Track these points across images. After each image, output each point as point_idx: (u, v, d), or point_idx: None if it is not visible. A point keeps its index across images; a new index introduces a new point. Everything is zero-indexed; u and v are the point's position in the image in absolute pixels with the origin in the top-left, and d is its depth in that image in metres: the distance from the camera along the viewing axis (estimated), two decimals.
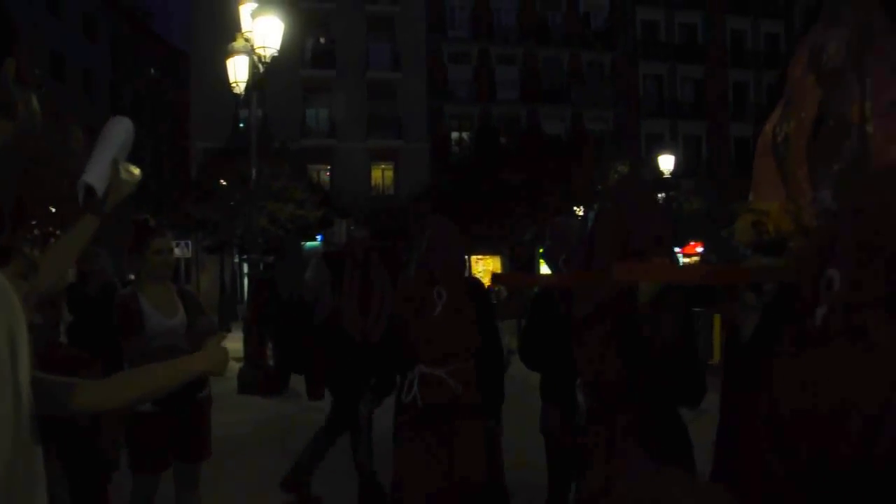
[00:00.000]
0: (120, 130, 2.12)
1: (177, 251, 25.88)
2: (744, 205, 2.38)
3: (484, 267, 30.93)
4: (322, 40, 31.99)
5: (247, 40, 10.94)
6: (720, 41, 37.29)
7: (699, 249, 30.28)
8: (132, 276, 6.29)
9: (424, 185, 27.24)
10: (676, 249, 29.36)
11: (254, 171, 11.54)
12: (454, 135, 32.40)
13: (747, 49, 37.89)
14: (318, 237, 26.58)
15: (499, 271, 30.77)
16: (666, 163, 21.51)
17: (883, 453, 1.38)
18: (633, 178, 3.03)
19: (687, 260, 30.59)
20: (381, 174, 32.36)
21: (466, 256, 26.48)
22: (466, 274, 4.04)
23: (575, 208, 24.16)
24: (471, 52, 33.48)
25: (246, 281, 20.29)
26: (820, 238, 1.62)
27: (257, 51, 10.61)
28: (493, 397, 3.41)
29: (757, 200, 2.48)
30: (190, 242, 23.61)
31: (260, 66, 10.85)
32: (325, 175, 31.30)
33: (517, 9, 34.16)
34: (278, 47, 10.74)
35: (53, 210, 15.98)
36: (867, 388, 1.40)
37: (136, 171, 2.09)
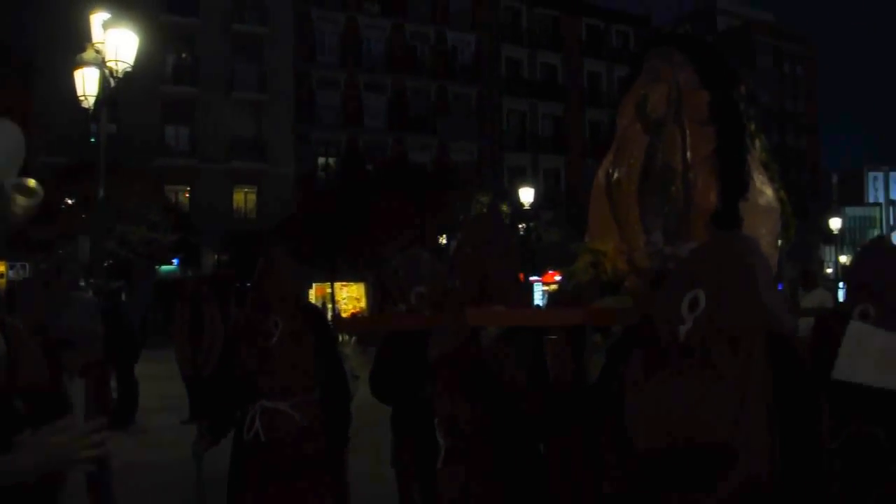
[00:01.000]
0: (2, 140, 1.60)
1: (11, 274, 23.80)
2: (582, 245, 2.52)
3: (348, 294, 30.68)
4: (184, 56, 30.81)
5: (98, 52, 10.31)
6: (578, 82, 39.53)
7: (557, 278, 31.63)
8: None
9: (289, 211, 26.71)
10: (535, 278, 30.58)
11: (101, 190, 10.84)
12: (320, 160, 32.08)
13: (602, 90, 40.37)
14: (175, 261, 25.35)
15: (363, 298, 30.62)
16: (526, 195, 22.34)
17: (735, 487, 1.49)
18: (490, 219, 3.11)
19: (546, 288, 31.92)
20: (244, 198, 31.37)
21: (330, 282, 26.22)
22: (325, 301, 3.95)
23: (440, 238, 24.56)
24: (339, 78, 33.43)
25: None
26: (684, 264, 1.72)
27: (109, 64, 10.03)
28: (339, 427, 3.34)
29: (594, 241, 2.64)
30: (27, 265, 21.77)
31: (111, 79, 10.26)
32: (184, 196, 29.96)
33: (386, 38, 34.57)
34: (132, 62, 10.21)
35: None
36: (714, 420, 1.52)
37: (33, 184, 1.62)
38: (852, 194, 74.14)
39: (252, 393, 3.10)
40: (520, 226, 25.87)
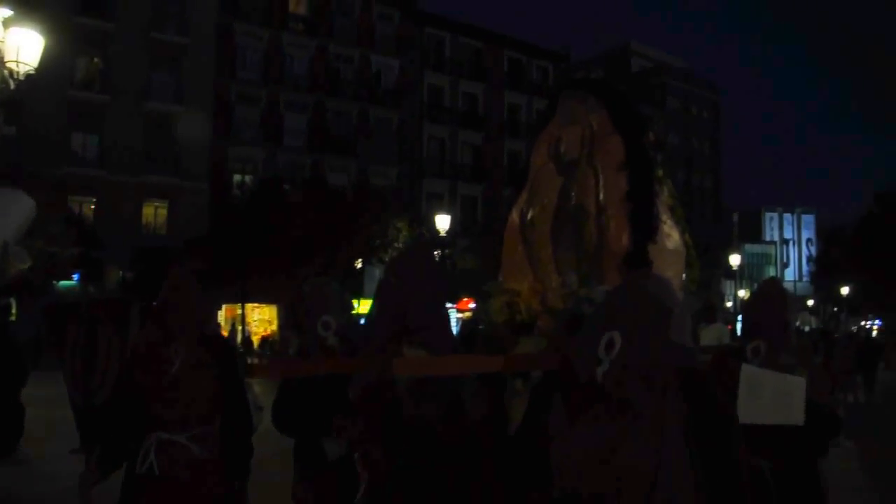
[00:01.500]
0: (17, 211, 1.77)
1: None
2: (496, 285, 2.53)
3: (260, 316, 29.92)
4: (96, 61, 29.62)
5: None
6: (498, 112, 40.35)
7: (471, 305, 31.88)
8: None
9: (201, 228, 25.89)
10: (450, 305, 30.72)
11: None
12: (236, 177, 31.34)
13: (522, 121, 41.33)
14: (75, 277, 24.08)
15: (275, 321, 29.91)
16: (443, 222, 22.48)
17: None
18: (419, 253, 3.09)
19: (460, 315, 32.07)
20: (154, 212, 30.24)
21: (241, 304, 25.49)
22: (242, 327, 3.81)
23: (355, 262, 24.34)
24: (260, 94, 32.89)
25: None
26: (600, 307, 1.76)
27: (9, 65, 9.49)
28: (240, 461, 3.21)
29: (507, 281, 2.66)
30: None
31: (11, 81, 9.70)
32: (90, 209, 28.60)
33: (310, 57, 34.31)
34: (36, 63, 9.69)
35: None
36: (643, 450, 1.56)
37: (26, 263, 1.78)
38: (751, 232, 78.36)
39: (148, 423, 2.93)
40: (435, 252, 25.99)
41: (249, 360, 3.49)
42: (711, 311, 13.10)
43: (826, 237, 65.50)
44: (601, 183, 2.38)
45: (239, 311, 26.77)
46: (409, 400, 2.11)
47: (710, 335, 11.64)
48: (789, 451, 2.92)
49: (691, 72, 57.80)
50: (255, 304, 28.72)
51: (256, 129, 32.54)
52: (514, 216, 2.75)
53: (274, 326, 29.79)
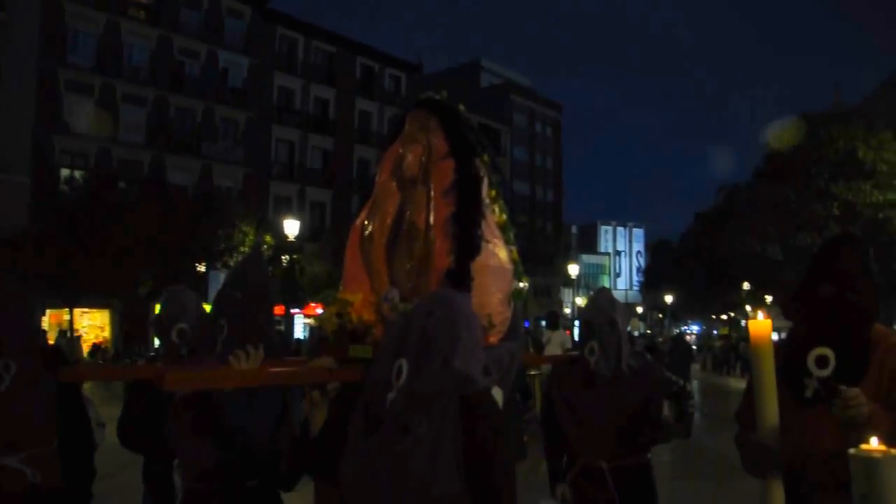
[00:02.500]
0: None
1: None
2: (332, 294, 2.60)
3: (90, 321, 27.79)
4: None
5: None
6: (349, 118, 40.21)
7: (319, 311, 31.51)
8: None
9: (21, 226, 23.62)
10: (297, 310, 30.15)
11: None
12: (64, 172, 28.97)
13: (373, 129, 41.45)
14: None
15: (107, 327, 27.94)
16: (291, 227, 22.06)
17: None
18: (255, 261, 3.07)
19: (308, 321, 31.57)
20: None
21: (70, 309, 23.55)
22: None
23: (197, 265, 23.29)
24: (94, 84, 30.61)
25: None
26: (398, 324, 1.86)
27: None
28: (81, 483, 3.02)
29: (345, 291, 2.73)
30: None
31: None
32: None
33: (151, 49, 32.47)
34: None
35: None
36: (419, 474, 1.67)
37: None
38: (587, 244, 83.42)
39: None
40: (283, 257, 25.42)
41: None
42: (555, 318, 13.96)
43: (653, 250, 71.16)
44: (432, 203, 2.52)
45: (66, 317, 24.69)
46: (231, 405, 2.13)
47: (555, 340, 12.44)
48: (624, 451, 3.22)
49: (536, 91, 60.60)
50: (85, 309, 26.65)
51: (89, 122, 30.25)
52: (356, 228, 2.82)
53: (106, 333, 27.80)
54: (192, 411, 2.14)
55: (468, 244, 2.49)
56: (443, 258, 2.44)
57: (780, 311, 2.42)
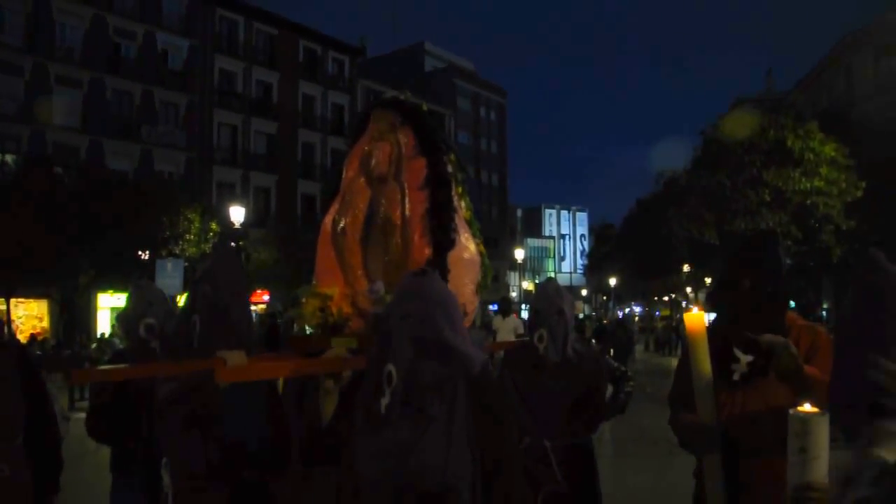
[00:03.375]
0: None
1: None
2: (307, 289, 2.70)
3: (26, 311, 26.88)
4: None
5: None
6: (293, 102, 39.66)
7: (265, 297, 31.18)
8: None
9: None
10: None
11: None
12: None
13: (317, 113, 41.00)
14: None
15: (46, 317, 27.10)
16: (237, 214, 21.77)
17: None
18: (228, 255, 3.14)
19: (254, 308, 31.19)
20: None
21: (6, 299, 22.76)
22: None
23: (140, 252, 22.76)
24: (24, 64, 29.41)
25: None
26: (379, 329, 1.98)
27: None
28: (49, 475, 3.07)
29: (320, 285, 2.85)
30: None
31: None
32: None
33: (86, 28, 31.32)
34: None
35: None
36: (433, 454, 1.81)
37: None
38: (533, 227, 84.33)
39: None
40: (230, 244, 25.08)
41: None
42: (507, 304, 14.23)
43: (597, 234, 72.47)
44: (406, 199, 2.66)
45: (2, 307, 23.86)
46: (224, 403, 2.21)
47: (507, 326, 12.70)
48: (568, 431, 3.45)
49: (479, 75, 60.76)
50: (21, 299, 25.78)
51: (20, 104, 29.10)
52: (327, 224, 2.94)
53: (45, 323, 26.95)
54: (183, 409, 2.21)
55: (445, 238, 2.67)
56: (421, 251, 2.60)
57: (706, 302, 2.72)
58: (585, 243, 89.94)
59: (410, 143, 2.77)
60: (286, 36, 39.69)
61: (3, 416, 2.83)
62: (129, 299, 3.51)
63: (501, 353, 4.24)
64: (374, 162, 2.75)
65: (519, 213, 77.64)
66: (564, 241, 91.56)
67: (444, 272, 2.58)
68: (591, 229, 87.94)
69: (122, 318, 3.50)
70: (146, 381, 2.52)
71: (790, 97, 37.55)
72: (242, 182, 36.60)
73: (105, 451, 3.58)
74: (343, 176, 2.95)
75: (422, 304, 1.88)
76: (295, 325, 2.84)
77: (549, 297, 3.52)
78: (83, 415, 3.49)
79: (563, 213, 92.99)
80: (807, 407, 1.66)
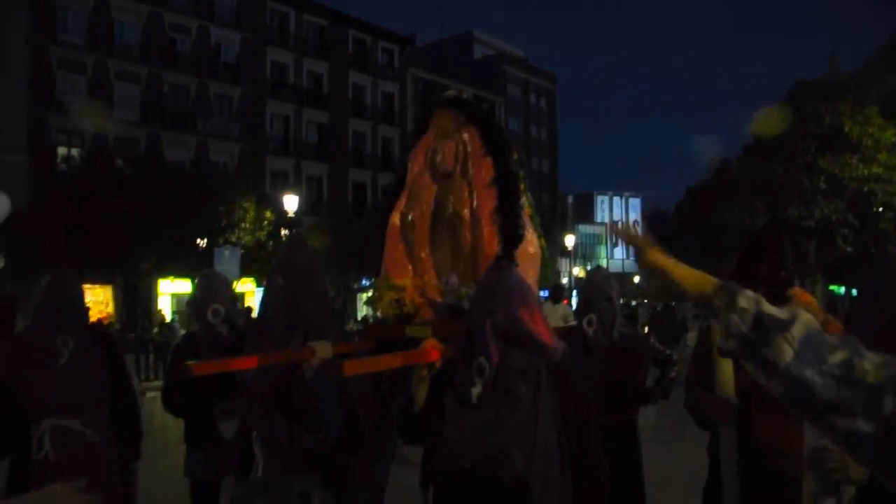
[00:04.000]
0: None
1: None
2: (383, 282, 2.87)
3: (93, 297, 28.05)
4: None
5: None
6: (343, 92, 40.11)
7: None
8: None
9: (19, 203, 23.71)
10: None
11: None
12: (62, 150, 28.98)
13: (367, 103, 41.39)
14: None
15: (111, 302, 28.19)
16: (291, 202, 22.24)
17: (536, 476, 1.96)
18: (301, 249, 3.35)
19: None
20: None
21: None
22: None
23: (198, 241, 23.45)
24: (86, 62, 30.46)
25: None
26: (465, 323, 2.15)
27: None
28: (132, 442, 3.38)
29: (392, 277, 3.02)
30: None
31: None
32: None
33: (142, 25, 32.27)
34: None
35: None
36: (521, 431, 1.98)
37: None
38: (584, 214, 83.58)
39: (39, 411, 3.06)
40: (283, 232, 25.61)
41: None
42: (559, 291, 14.29)
43: (649, 220, 71.41)
44: (475, 196, 2.80)
45: None
46: (311, 388, 2.42)
47: (557, 314, 12.78)
48: (613, 411, 3.59)
49: (530, 62, 60.34)
50: (88, 285, 26.88)
51: (83, 100, 30.16)
52: (395, 218, 3.11)
53: (110, 308, 28.06)
54: (270, 390, 2.44)
55: (513, 234, 2.83)
56: (492, 246, 2.76)
57: None
58: (639, 229, 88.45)
59: (476, 142, 2.90)
60: (335, 27, 40.11)
61: (93, 389, 3.15)
62: (196, 286, 3.76)
63: None
64: (439, 158, 2.90)
65: (570, 199, 77.02)
66: None
67: (512, 265, 2.73)
68: (643, 215, 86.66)
69: (192, 304, 3.77)
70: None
71: (854, 80, 36.31)
72: (295, 171, 37.25)
73: (170, 428, 3.86)
74: (409, 171, 3.10)
75: (503, 298, 2.05)
76: (369, 314, 3.04)
77: (597, 285, 3.68)
78: (150, 394, 3.79)
79: (616, 199, 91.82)
80: None
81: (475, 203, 2.81)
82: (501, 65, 54.89)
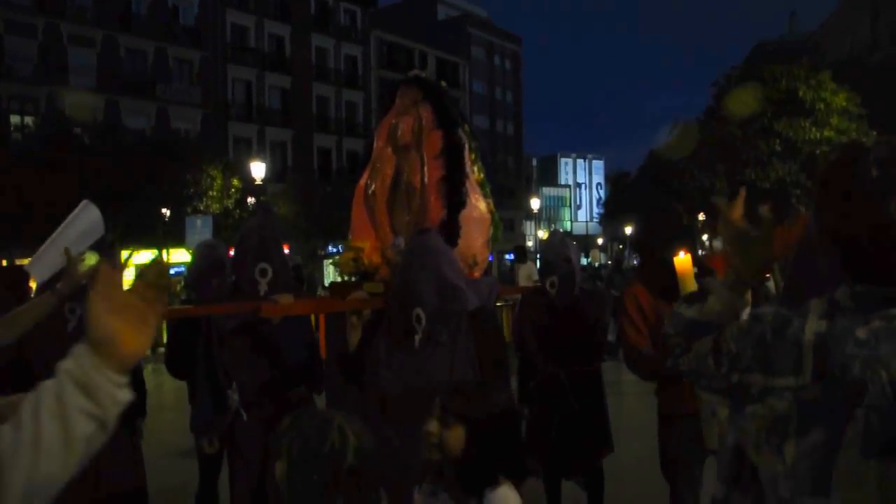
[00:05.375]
0: (82, 219, 2.40)
1: None
2: (346, 242, 3.14)
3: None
4: None
5: None
6: (306, 55, 39.55)
7: (286, 250, 31.81)
8: None
9: None
10: None
11: None
12: (14, 119, 28.28)
13: (330, 66, 40.90)
14: None
15: None
16: (257, 170, 22.15)
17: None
18: (267, 215, 3.67)
19: None
20: None
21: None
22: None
23: (163, 210, 23.25)
24: (36, 25, 29.55)
25: None
26: (400, 278, 2.48)
27: None
28: (136, 399, 3.55)
29: (355, 240, 3.28)
30: None
31: None
32: None
33: None
34: None
35: None
36: (440, 369, 2.32)
37: (92, 260, 2.41)
38: (548, 176, 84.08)
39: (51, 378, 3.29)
40: (249, 199, 25.50)
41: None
42: (522, 252, 14.76)
43: (613, 182, 72.20)
44: (425, 167, 3.06)
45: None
46: (276, 333, 2.75)
47: (523, 273, 13.31)
48: (577, 360, 3.88)
49: (494, 23, 59.97)
50: None
51: (35, 65, 29.36)
52: (361, 185, 3.37)
53: None
54: (247, 338, 2.73)
55: (456, 200, 3.09)
56: (437, 211, 3.04)
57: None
58: (602, 192, 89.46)
59: (429, 117, 3.15)
60: None
61: None
62: (198, 258, 3.92)
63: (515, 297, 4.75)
64: (399, 133, 3.15)
65: (534, 162, 77.38)
66: (580, 190, 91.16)
67: (456, 229, 3.02)
68: (606, 178, 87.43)
69: (194, 275, 3.94)
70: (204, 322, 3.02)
71: (811, 41, 36.90)
72: (258, 137, 36.86)
73: (164, 395, 4.04)
74: (374, 145, 3.37)
75: (432, 256, 2.37)
76: (332, 273, 3.36)
77: (555, 248, 3.94)
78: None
79: (580, 161, 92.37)
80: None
81: (425, 174, 3.08)
82: (466, 26, 54.49)
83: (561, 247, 3.92)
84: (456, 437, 1.75)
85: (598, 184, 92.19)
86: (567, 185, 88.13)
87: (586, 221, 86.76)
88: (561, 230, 4.46)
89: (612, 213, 65.30)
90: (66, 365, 1.05)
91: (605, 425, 4.07)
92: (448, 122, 3.17)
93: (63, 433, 1.00)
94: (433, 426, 1.76)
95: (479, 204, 3.19)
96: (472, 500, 1.73)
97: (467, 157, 3.20)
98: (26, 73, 28.96)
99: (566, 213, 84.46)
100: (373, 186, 3.24)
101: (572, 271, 3.89)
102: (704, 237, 43.54)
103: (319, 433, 1.58)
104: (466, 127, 3.26)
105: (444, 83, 3.36)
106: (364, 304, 2.74)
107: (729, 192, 22.85)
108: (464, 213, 3.08)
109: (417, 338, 2.37)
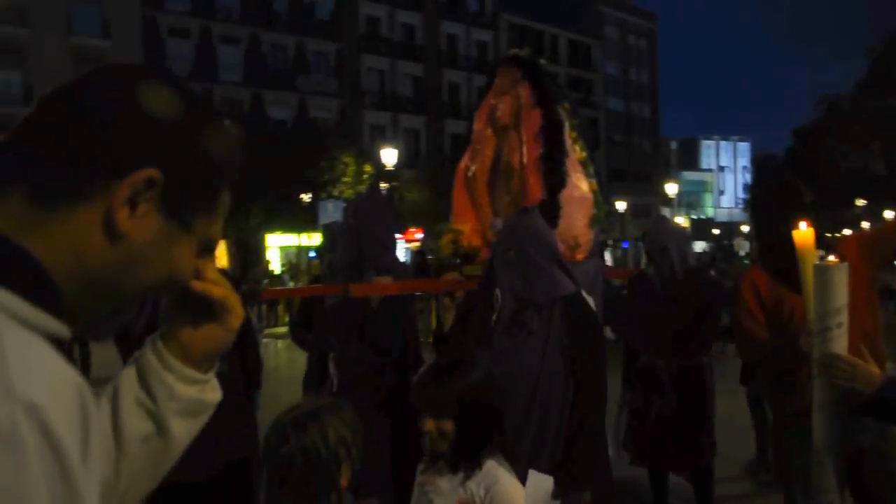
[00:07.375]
0: None
1: None
2: (447, 225, 3.16)
3: None
4: None
5: None
6: (437, 43, 40.05)
7: (418, 235, 32.54)
8: None
9: None
10: (398, 235, 31.26)
11: None
12: None
13: (461, 53, 41.18)
14: None
15: (224, 256, 29.91)
16: (389, 156, 22.74)
17: (539, 402, 2.23)
18: (369, 196, 3.75)
19: (408, 245, 32.72)
20: None
21: None
22: None
23: (302, 195, 24.41)
24: (191, 28, 31.92)
25: None
26: (490, 260, 2.46)
27: None
28: (251, 371, 3.81)
29: (455, 222, 3.30)
30: None
31: None
32: None
33: None
34: None
35: None
36: (531, 359, 2.19)
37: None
38: (689, 160, 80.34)
39: None
40: (382, 185, 26.27)
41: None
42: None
43: (758, 165, 67.89)
44: (524, 146, 3.01)
45: None
46: (375, 315, 2.80)
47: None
48: (678, 352, 3.70)
49: (627, 1, 57.90)
50: None
51: (191, 64, 31.69)
52: (461, 168, 3.37)
53: (224, 262, 29.84)
54: (343, 318, 2.82)
55: (556, 180, 3.03)
56: (536, 192, 2.99)
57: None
58: (748, 175, 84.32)
59: (528, 95, 3.09)
60: None
61: None
62: (326, 237, 4.17)
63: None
64: (498, 114, 3.11)
65: (673, 145, 74.24)
66: (724, 174, 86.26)
67: (556, 210, 2.94)
68: (753, 161, 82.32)
69: (323, 252, 4.20)
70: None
71: None
72: (392, 124, 37.80)
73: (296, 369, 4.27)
74: (474, 127, 3.34)
75: (520, 239, 2.31)
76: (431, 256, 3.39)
77: (653, 237, 3.86)
78: (265, 340, 4.24)
79: (723, 143, 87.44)
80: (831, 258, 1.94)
81: (524, 153, 3.02)
82: (597, 5, 52.99)
83: (655, 235, 3.83)
84: (451, 425, 1.73)
85: (744, 167, 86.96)
86: (710, 170, 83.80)
87: (730, 207, 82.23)
88: (664, 218, 4.29)
89: None
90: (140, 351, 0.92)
91: (706, 425, 3.79)
92: (546, 100, 3.10)
93: (112, 424, 0.84)
94: (429, 424, 1.74)
95: (580, 184, 3.09)
96: (468, 466, 1.73)
97: (567, 135, 3.11)
98: (184, 71, 31.30)
99: (708, 199, 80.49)
100: (473, 168, 3.22)
101: (670, 260, 3.72)
102: (865, 224, 40.16)
103: (281, 432, 1.54)
104: (566, 105, 3.16)
105: (543, 60, 3.28)
106: (455, 284, 2.74)
107: (887, 173, 20.71)
108: (564, 193, 3.01)
109: (493, 318, 2.32)
